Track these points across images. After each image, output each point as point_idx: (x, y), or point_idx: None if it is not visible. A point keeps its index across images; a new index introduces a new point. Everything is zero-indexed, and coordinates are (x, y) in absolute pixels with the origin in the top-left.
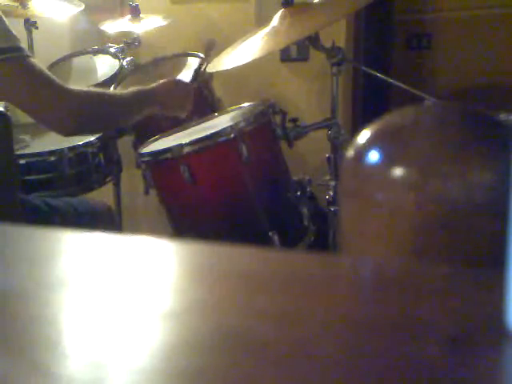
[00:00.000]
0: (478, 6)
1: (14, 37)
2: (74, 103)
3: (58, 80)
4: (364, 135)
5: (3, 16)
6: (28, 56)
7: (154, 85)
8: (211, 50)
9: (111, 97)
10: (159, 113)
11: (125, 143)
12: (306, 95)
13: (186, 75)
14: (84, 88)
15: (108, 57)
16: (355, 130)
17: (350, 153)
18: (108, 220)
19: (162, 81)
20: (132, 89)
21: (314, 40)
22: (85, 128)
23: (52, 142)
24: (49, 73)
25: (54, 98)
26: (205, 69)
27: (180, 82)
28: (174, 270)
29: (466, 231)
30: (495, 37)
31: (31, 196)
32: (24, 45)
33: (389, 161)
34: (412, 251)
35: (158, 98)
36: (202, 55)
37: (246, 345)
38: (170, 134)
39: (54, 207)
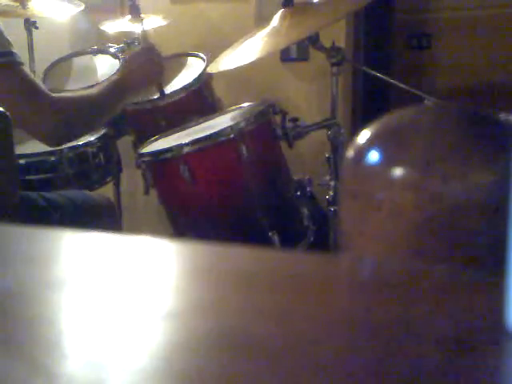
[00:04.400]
0: (477, 6)
1: (8, 42)
2: (59, 113)
3: (45, 89)
4: (364, 135)
5: None
6: (20, 63)
7: (120, 72)
8: (138, 13)
9: (91, 99)
10: (142, 93)
11: (125, 143)
12: (306, 95)
13: (185, 75)
14: (67, 95)
15: (108, 57)
16: (355, 130)
17: (350, 153)
18: (108, 213)
19: (122, 65)
20: (105, 83)
21: (314, 40)
22: (69, 136)
23: None
24: (38, 82)
25: (41, 107)
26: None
27: (139, 54)
28: (174, 270)
29: (466, 231)
30: (495, 37)
31: (27, 191)
32: (22, 48)
33: (389, 161)
34: (412, 251)
35: (131, 81)
36: (202, 55)
37: (245, 345)
38: (169, 134)
39: (51, 201)
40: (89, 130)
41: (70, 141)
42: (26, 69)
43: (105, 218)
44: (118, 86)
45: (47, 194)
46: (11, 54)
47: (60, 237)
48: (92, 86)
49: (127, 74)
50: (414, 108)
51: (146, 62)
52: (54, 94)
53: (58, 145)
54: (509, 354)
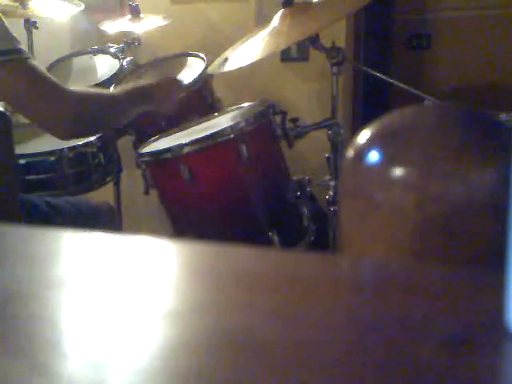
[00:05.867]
0: (477, 6)
1: (14, 39)
2: (74, 106)
3: (58, 82)
4: (364, 135)
5: (3, 18)
6: (28, 58)
7: (152, 82)
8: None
9: (109, 97)
10: (153, 110)
11: (125, 143)
12: (306, 95)
13: (185, 75)
14: (82, 89)
15: (108, 57)
16: (355, 129)
17: (350, 153)
18: (109, 219)
19: (162, 78)
20: (128, 86)
21: (314, 40)
22: (83, 130)
23: (52, 141)
24: (49, 75)
25: (55, 101)
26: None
27: (178, 82)
28: (174, 270)
29: (466, 231)
30: (495, 37)
31: (31, 196)
32: (24, 46)
33: (389, 161)
34: (412, 251)
35: (156, 95)
36: (202, 55)
37: (245, 345)
38: (169, 134)
39: (54, 207)
40: (100, 128)
41: (80, 136)
42: (38, 63)
43: (106, 224)
44: (142, 92)
45: (50, 200)
46: (20, 51)
47: (60, 237)
48: (92, 86)
49: (159, 86)
50: (413, 108)
51: (176, 92)
52: (69, 88)
53: (68, 138)
54: (509, 353)
